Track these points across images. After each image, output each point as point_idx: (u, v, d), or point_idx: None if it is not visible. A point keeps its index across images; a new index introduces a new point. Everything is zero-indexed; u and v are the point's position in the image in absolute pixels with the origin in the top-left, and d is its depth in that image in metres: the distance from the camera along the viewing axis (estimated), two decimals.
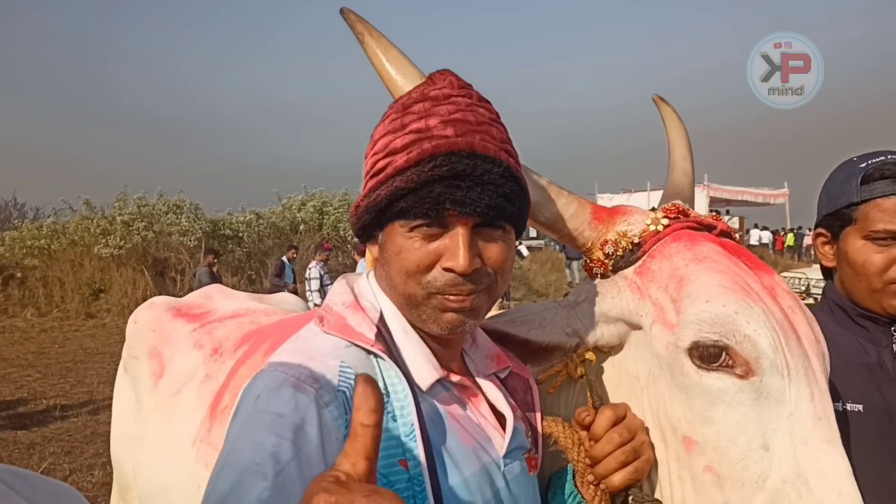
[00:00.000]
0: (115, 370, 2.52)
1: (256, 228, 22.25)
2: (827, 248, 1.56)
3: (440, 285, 0.96)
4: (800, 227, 38.08)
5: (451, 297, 0.97)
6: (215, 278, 11.99)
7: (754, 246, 34.31)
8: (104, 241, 18.51)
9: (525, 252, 22.41)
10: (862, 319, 1.51)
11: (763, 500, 1.02)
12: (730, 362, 1.06)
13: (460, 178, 0.94)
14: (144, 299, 3.23)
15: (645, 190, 28.13)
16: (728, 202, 37.12)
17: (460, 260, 0.94)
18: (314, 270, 11.59)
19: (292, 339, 1.05)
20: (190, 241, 18.91)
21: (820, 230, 1.57)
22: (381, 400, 0.65)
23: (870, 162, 1.46)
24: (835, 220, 1.52)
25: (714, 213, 1.28)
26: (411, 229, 0.97)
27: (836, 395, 1.42)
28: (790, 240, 36.16)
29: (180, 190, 22.29)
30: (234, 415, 0.93)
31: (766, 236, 37.10)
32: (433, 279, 0.97)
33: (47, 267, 18.93)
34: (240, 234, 21.98)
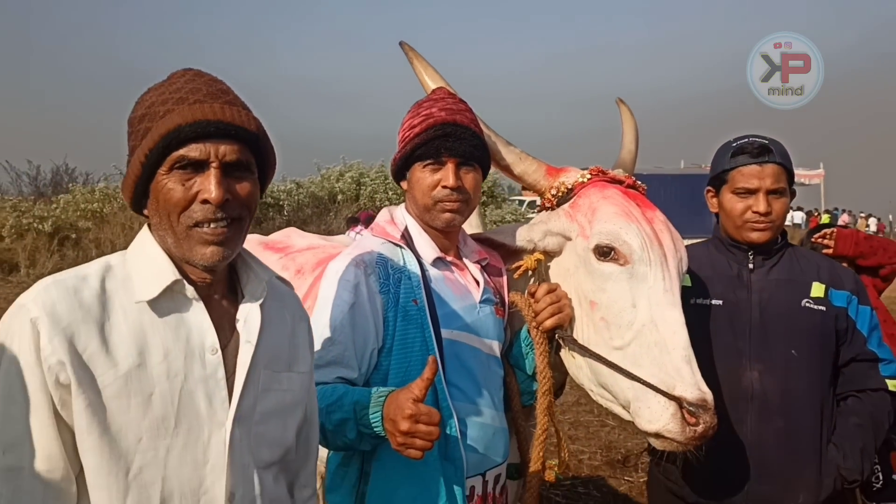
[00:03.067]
0: None
1: (296, 197, 23.01)
2: (714, 199, 2.32)
3: (441, 196, 1.81)
4: (835, 209, 37.85)
5: (447, 203, 1.81)
6: None
7: (788, 227, 34.22)
8: None
9: None
10: (730, 246, 2.28)
11: (631, 334, 1.81)
12: (615, 256, 1.86)
13: (448, 137, 1.79)
14: None
15: (680, 169, 28.48)
16: None
17: (450, 178, 1.79)
18: None
19: (355, 242, 1.92)
20: None
21: (709, 187, 2.34)
22: (435, 374, 1.48)
23: (739, 142, 2.23)
24: (716, 181, 2.28)
25: (626, 175, 2.06)
26: (424, 167, 1.83)
27: (707, 292, 2.22)
28: (825, 220, 36.01)
29: None
30: (324, 278, 1.80)
31: (800, 217, 37.00)
32: (437, 193, 1.82)
33: (99, 229, 19.80)
34: (280, 203, 22.80)
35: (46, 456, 1.16)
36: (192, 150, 1.23)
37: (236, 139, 1.26)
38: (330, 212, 20.02)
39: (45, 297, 1.18)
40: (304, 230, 3.57)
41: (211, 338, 1.29)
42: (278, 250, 3.10)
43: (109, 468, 1.17)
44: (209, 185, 1.23)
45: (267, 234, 3.50)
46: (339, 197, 22.53)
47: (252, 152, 1.31)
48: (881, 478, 2.81)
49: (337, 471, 1.81)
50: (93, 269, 1.27)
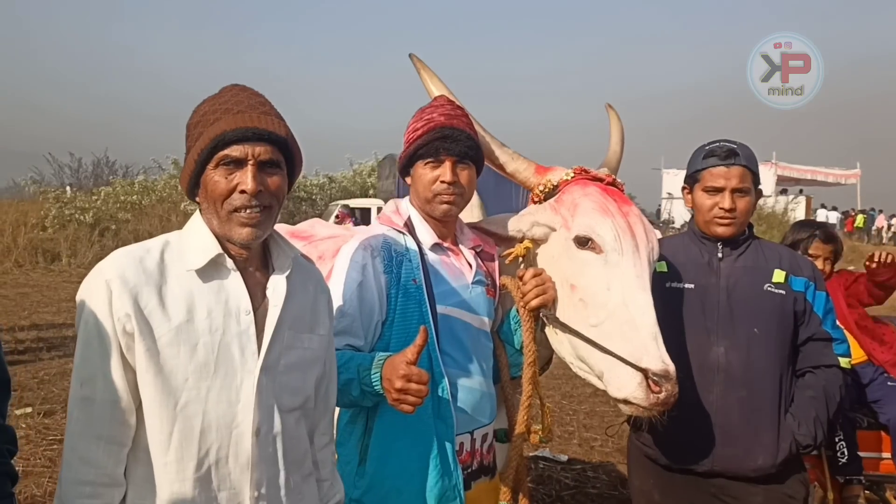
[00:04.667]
0: None
1: (329, 191, 23.45)
2: (688, 196, 2.57)
3: (440, 190, 2.08)
4: (872, 209, 37.36)
5: (444, 196, 2.09)
6: None
7: (832, 223, 33.88)
8: None
9: None
10: (702, 238, 2.54)
11: (606, 313, 2.07)
12: (592, 246, 2.13)
13: (446, 139, 2.07)
14: None
15: None
16: (797, 181, 36.63)
17: (447, 174, 2.07)
18: None
19: (365, 229, 2.24)
20: None
21: (684, 185, 2.60)
22: (425, 341, 1.76)
23: (710, 146, 2.48)
24: (690, 180, 2.54)
25: (607, 174, 2.32)
26: (425, 164, 2.11)
27: (681, 277, 2.48)
28: (860, 221, 35.46)
29: None
30: (337, 259, 2.12)
31: (834, 216, 36.58)
32: (436, 187, 2.09)
33: (138, 221, 20.33)
34: (313, 197, 23.25)
35: (114, 389, 1.47)
36: (234, 151, 1.53)
37: (269, 142, 1.57)
38: None
39: (117, 264, 1.50)
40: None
41: (245, 301, 1.59)
42: (303, 238, 3.40)
43: (161, 401, 1.48)
44: (246, 179, 1.53)
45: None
46: (371, 192, 22.89)
47: (282, 152, 1.61)
48: (846, 454, 3.04)
49: (345, 427, 2.10)
50: (155, 243, 1.60)
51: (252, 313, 1.59)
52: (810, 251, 3.46)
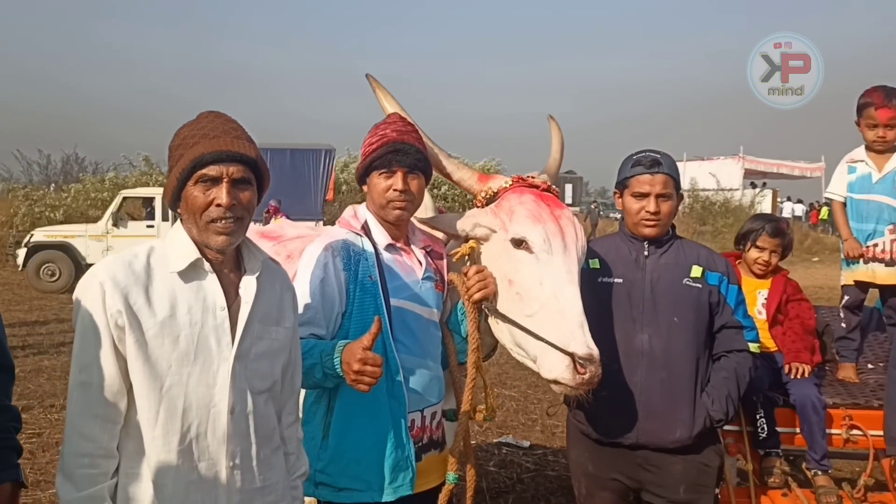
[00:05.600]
0: None
1: None
2: (619, 200, 2.85)
3: (392, 197, 2.34)
4: None
5: (397, 203, 2.34)
6: None
7: (786, 218, 34.34)
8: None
9: None
10: (630, 237, 2.82)
11: (538, 305, 2.34)
12: (526, 246, 2.40)
13: (398, 152, 2.32)
14: None
15: (681, 160, 28.63)
16: (764, 174, 36.95)
17: (399, 183, 2.32)
18: None
19: (326, 232, 2.51)
20: None
21: (615, 190, 2.88)
22: (380, 329, 2.03)
23: (637, 156, 2.76)
24: (620, 186, 2.81)
25: (543, 181, 2.60)
26: (379, 175, 2.36)
27: (611, 272, 2.77)
28: (824, 213, 35.85)
29: None
30: (302, 258, 2.38)
31: (800, 209, 37.07)
32: (389, 195, 2.34)
33: None
34: None
35: (108, 375, 1.71)
36: (211, 170, 1.76)
37: (241, 162, 1.81)
38: (335, 201, 20.54)
39: (109, 267, 1.74)
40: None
41: (221, 299, 1.82)
42: (273, 238, 3.64)
43: (149, 385, 1.72)
44: (222, 194, 1.77)
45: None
46: (344, 187, 22.99)
47: (252, 171, 1.86)
48: (766, 429, 3.36)
49: (310, 407, 2.37)
50: (142, 249, 1.83)
51: (227, 309, 1.83)
52: (758, 243, 3.66)
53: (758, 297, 3.68)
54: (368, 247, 2.39)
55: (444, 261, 2.61)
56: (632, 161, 2.77)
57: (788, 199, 37.47)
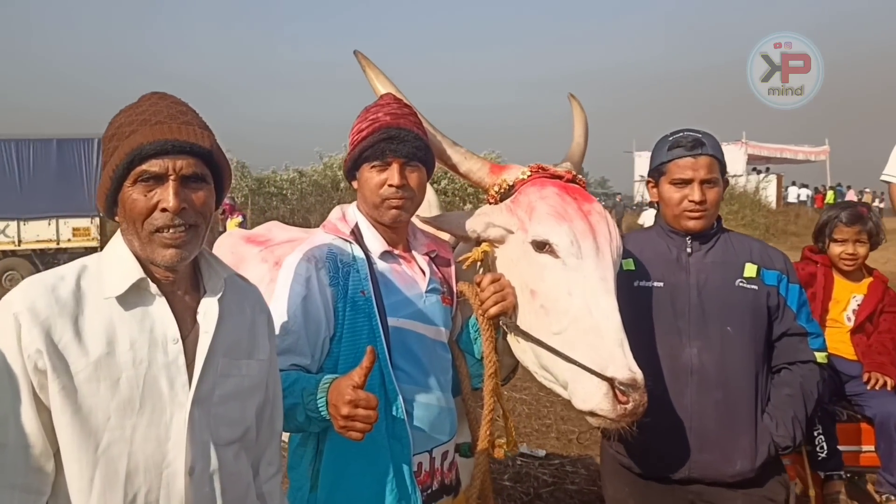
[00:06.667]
0: None
1: (300, 186, 23.21)
2: (654, 190, 2.46)
3: (388, 194, 1.94)
4: (838, 185, 37.77)
5: (393, 201, 1.94)
6: None
7: (792, 203, 34.24)
8: None
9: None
10: (670, 233, 2.42)
11: (568, 320, 1.95)
12: (550, 249, 2.00)
13: (393, 140, 1.92)
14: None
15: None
16: (767, 160, 36.88)
17: (395, 178, 1.92)
18: None
19: (309, 238, 2.09)
20: (237, 198, 20.00)
21: (649, 178, 2.48)
22: (373, 363, 1.62)
23: (674, 136, 2.36)
24: (655, 173, 2.42)
25: (567, 170, 2.20)
26: (371, 167, 1.96)
27: (649, 275, 2.37)
28: (830, 197, 35.80)
29: (228, 149, 23.33)
30: (280, 272, 1.98)
31: (805, 194, 36.93)
32: (383, 191, 1.94)
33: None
34: (284, 192, 23.01)
35: (27, 433, 1.34)
36: (153, 166, 1.41)
37: (192, 154, 1.44)
38: (333, 199, 20.24)
39: (26, 295, 1.37)
40: (308, 218, 3.75)
41: (172, 329, 1.46)
42: (259, 243, 3.25)
43: (81, 444, 1.35)
44: (168, 196, 1.41)
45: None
46: (342, 185, 22.75)
47: (207, 165, 1.48)
48: (825, 448, 2.96)
49: (296, 450, 1.97)
50: (70, 269, 1.46)
51: (181, 341, 1.47)
52: (835, 235, 3.29)
53: (851, 302, 3.30)
54: (360, 255, 1.99)
55: (452, 268, 2.20)
56: (668, 143, 2.36)
57: (794, 183, 37.34)
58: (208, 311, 1.52)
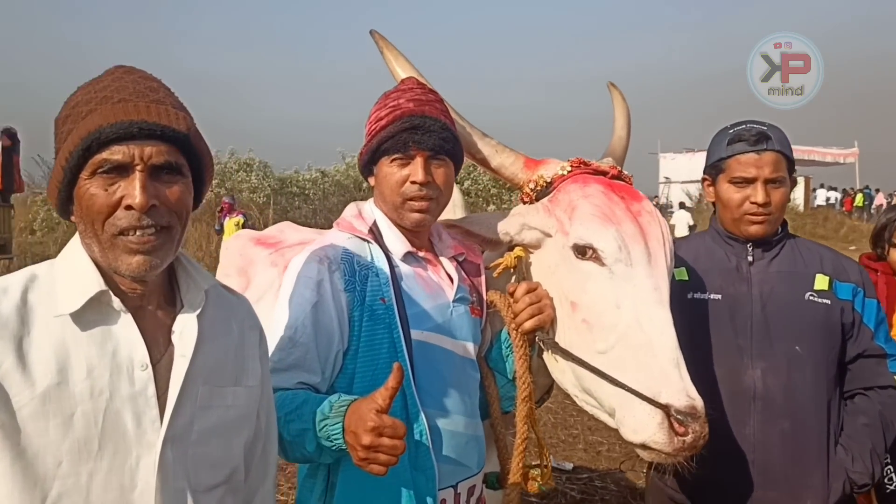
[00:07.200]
0: None
1: (322, 186, 23.12)
2: (710, 189, 2.19)
3: (410, 193, 1.69)
4: (866, 187, 37.24)
5: (416, 202, 1.69)
6: None
7: (820, 206, 33.72)
8: None
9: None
10: (728, 239, 2.15)
11: (615, 337, 1.70)
12: (594, 255, 1.74)
13: (416, 130, 1.67)
14: (216, 253, 4.07)
15: (706, 150, 27.90)
16: (795, 161, 36.53)
17: (419, 173, 1.67)
18: None
19: (321, 237, 1.84)
20: (259, 197, 19.90)
21: (705, 176, 2.21)
22: (400, 383, 1.37)
23: (735, 129, 2.09)
24: (713, 170, 2.15)
25: (611, 165, 1.95)
26: (391, 161, 1.71)
27: (705, 287, 2.10)
28: (859, 200, 35.34)
29: (250, 149, 23.27)
30: (286, 275, 1.73)
31: (833, 196, 36.40)
32: (405, 189, 1.70)
33: None
34: (306, 192, 22.91)
35: None
36: (115, 153, 1.16)
37: (163, 140, 1.19)
38: (356, 200, 20.11)
39: None
40: (331, 219, 3.53)
41: (140, 352, 1.21)
42: (269, 245, 3.02)
43: (23, 496, 1.11)
44: (133, 190, 1.16)
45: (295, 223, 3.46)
46: (365, 185, 22.61)
47: (184, 153, 1.24)
48: (895, 479, 2.66)
49: (305, 482, 1.72)
50: (16, 279, 1.21)
51: (150, 367, 1.22)
52: (895, 239, 3.03)
53: None
54: (380, 257, 1.74)
55: (483, 275, 1.94)
56: (729, 136, 2.09)
57: (822, 186, 36.86)
58: (185, 330, 1.27)
